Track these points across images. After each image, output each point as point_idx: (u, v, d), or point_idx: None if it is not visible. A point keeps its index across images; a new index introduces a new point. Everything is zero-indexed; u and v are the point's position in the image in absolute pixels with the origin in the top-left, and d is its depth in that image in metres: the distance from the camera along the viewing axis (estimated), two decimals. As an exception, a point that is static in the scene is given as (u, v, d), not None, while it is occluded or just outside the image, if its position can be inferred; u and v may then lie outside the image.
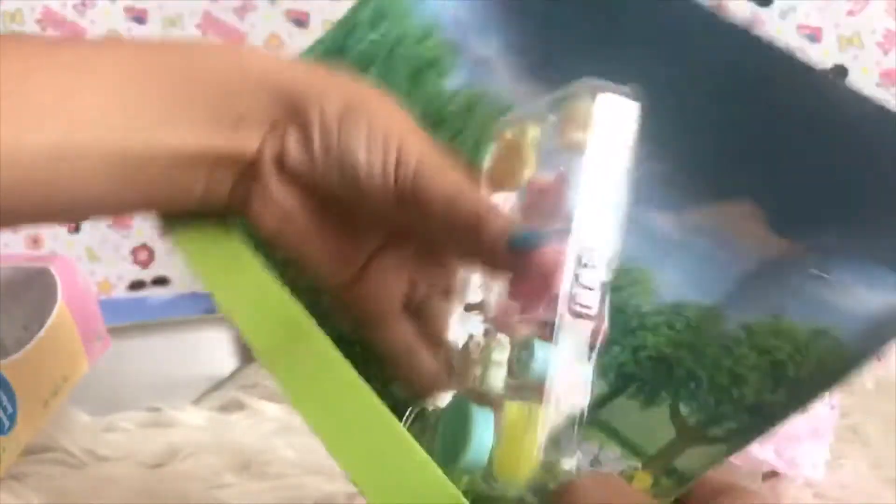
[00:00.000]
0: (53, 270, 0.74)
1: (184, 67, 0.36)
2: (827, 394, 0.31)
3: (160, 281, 1.28)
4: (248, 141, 0.37)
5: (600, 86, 0.35)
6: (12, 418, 0.67)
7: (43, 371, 0.71)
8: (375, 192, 0.36)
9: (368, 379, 0.36)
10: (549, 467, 0.33)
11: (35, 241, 1.27)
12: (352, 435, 0.33)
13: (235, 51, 0.39)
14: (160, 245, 1.28)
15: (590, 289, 0.34)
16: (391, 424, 0.33)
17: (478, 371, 0.36)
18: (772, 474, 0.77)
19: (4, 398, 0.67)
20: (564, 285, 0.33)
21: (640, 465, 0.33)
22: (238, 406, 0.92)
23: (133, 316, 1.08)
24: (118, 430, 0.87)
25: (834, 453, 0.81)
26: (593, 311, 0.34)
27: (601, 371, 0.34)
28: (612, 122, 0.35)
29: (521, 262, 0.34)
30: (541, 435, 0.33)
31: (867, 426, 0.89)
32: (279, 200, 0.38)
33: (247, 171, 0.38)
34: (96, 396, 0.86)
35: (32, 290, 0.74)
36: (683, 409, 0.33)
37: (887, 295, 0.31)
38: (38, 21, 1.28)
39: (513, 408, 0.34)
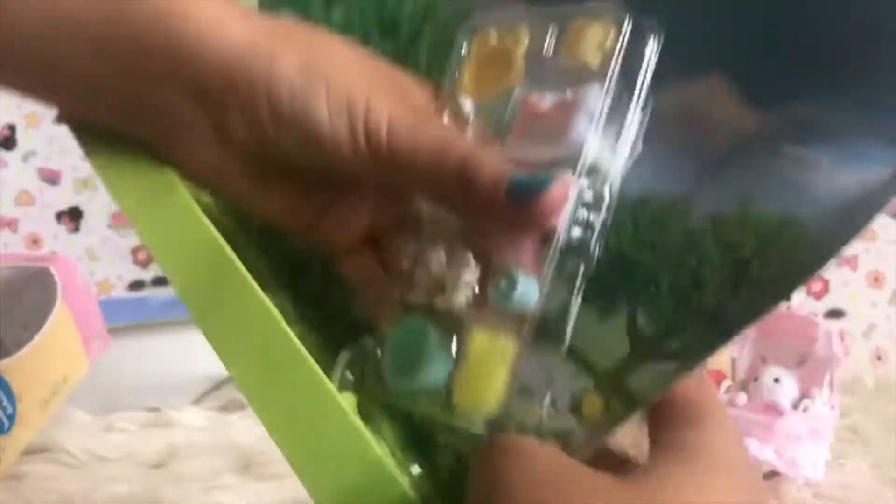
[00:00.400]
0: (53, 270, 0.74)
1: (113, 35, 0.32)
2: (787, 297, 0.29)
3: (160, 281, 1.27)
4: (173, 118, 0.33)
5: (624, 10, 0.32)
6: (12, 418, 0.67)
7: (43, 371, 0.71)
8: (343, 158, 0.33)
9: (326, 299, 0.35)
10: (511, 407, 0.32)
11: (35, 242, 1.27)
12: (271, 383, 0.30)
13: (170, 15, 0.32)
14: (160, 245, 1.28)
15: (589, 228, 0.32)
16: (313, 375, 0.30)
17: (438, 289, 0.34)
18: (772, 474, 0.77)
19: (4, 398, 0.67)
20: (561, 222, 0.31)
21: (591, 384, 0.31)
22: (238, 406, 0.92)
23: (133, 316, 1.08)
24: (118, 431, 0.87)
25: (834, 453, 0.81)
26: (588, 250, 0.32)
27: (560, 276, 0.32)
28: (634, 50, 0.32)
29: (523, 209, 0.31)
30: (508, 372, 0.31)
31: (867, 426, 0.89)
32: (211, 163, 0.34)
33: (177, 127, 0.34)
34: (96, 396, 0.86)
35: (32, 290, 0.74)
36: (640, 319, 0.31)
37: (866, 170, 0.28)
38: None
39: (481, 338, 0.32)
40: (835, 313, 1.16)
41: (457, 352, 0.33)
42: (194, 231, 0.33)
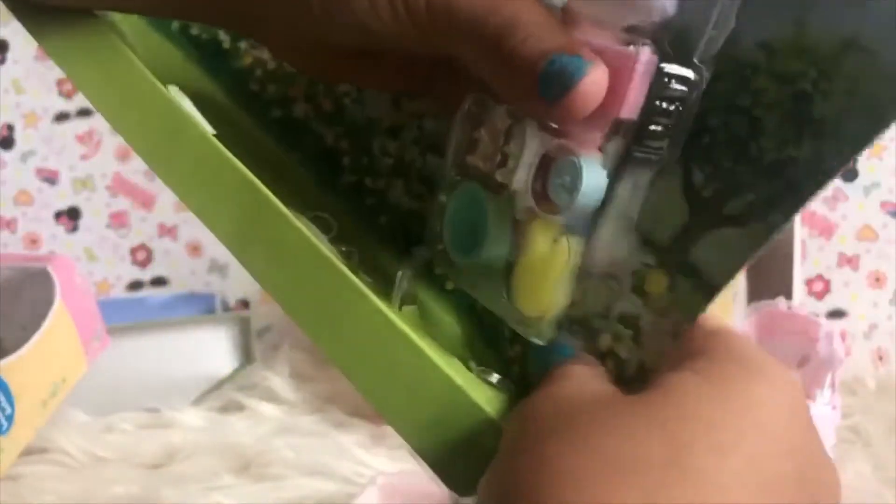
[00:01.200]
0: (52, 270, 0.74)
1: None
2: (861, 147, 0.25)
3: (159, 281, 1.27)
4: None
5: None
6: (11, 419, 0.67)
7: (41, 371, 0.71)
8: (391, 31, 0.30)
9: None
10: (575, 297, 0.29)
11: (33, 242, 1.26)
12: (326, 318, 0.29)
13: None
14: (159, 245, 1.27)
15: (672, 115, 0.27)
16: (369, 306, 0.28)
17: (497, 158, 0.30)
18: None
19: (3, 399, 0.66)
20: (635, 108, 0.27)
21: (653, 260, 0.28)
22: (237, 407, 0.92)
23: (132, 316, 1.08)
24: (117, 431, 0.86)
25: (836, 454, 0.80)
26: (663, 151, 0.27)
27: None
28: None
29: (553, 100, 0.26)
30: (572, 275, 0.29)
31: (869, 427, 0.89)
32: (301, 52, 0.33)
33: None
34: (95, 397, 0.86)
35: (31, 290, 0.73)
36: (696, 177, 0.28)
37: None
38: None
39: (542, 237, 0.29)
40: (836, 313, 1.16)
41: (516, 242, 0.30)
42: (147, 92, 0.32)
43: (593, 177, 0.28)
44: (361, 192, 0.38)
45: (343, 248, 0.32)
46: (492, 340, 0.34)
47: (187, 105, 0.34)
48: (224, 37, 0.39)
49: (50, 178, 1.28)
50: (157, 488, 0.75)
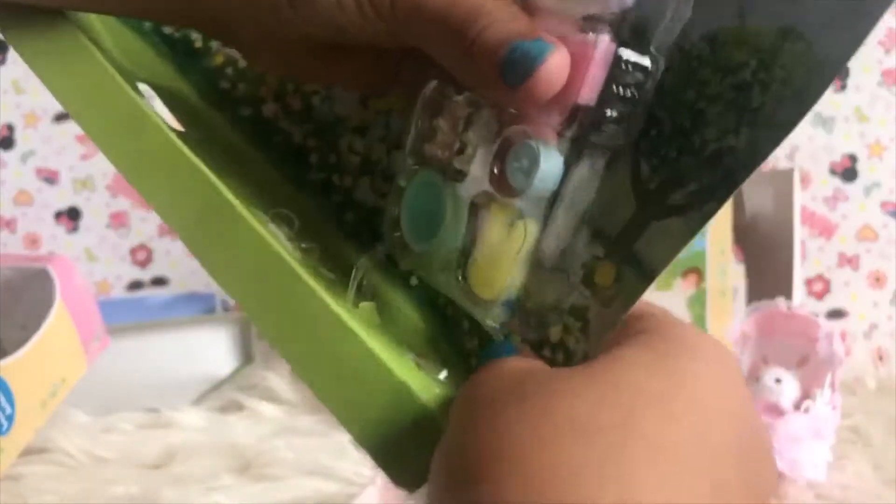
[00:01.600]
0: (52, 271, 0.74)
1: None
2: (789, 130, 0.26)
3: (159, 281, 1.27)
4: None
5: None
6: (11, 419, 0.67)
7: (41, 371, 0.71)
8: (358, 26, 0.31)
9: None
10: (530, 288, 0.30)
11: (33, 242, 1.26)
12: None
13: None
14: (159, 245, 1.27)
15: (629, 102, 0.28)
16: (318, 303, 0.29)
17: (456, 146, 0.31)
18: (773, 475, 0.77)
19: (3, 399, 0.66)
20: (593, 94, 0.28)
21: (602, 253, 0.29)
22: (237, 407, 0.92)
23: (132, 316, 1.08)
24: (117, 431, 0.86)
25: (836, 454, 0.80)
26: (627, 127, 0.28)
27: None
28: None
29: (515, 84, 0.27)
30: (528, 259, 0.29)
31: (869, 427, 0.89)
32: (270, 51, 0.34)
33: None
34: (95, 397, 0.86)
35: (31, 290, 0.73)
36: (644, 170, 0.29)
37: None
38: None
39: (499, 221, 0.30)
40: (836, 313, 1.16)
41: (473, 228, 0.31)
42: (112, 92, 0.32)
43: (550, 161, 0.28)
44: (329, 189, 0.38)
45: (303, 245, 0.32)
46: (451, 334, 0.34)
47: (157, 104, 0.34)
48: (196, 36, 0.40)
49: (50, 179, 1.28)
50: (157, 488, 0.75)
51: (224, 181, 0.31)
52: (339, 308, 0.29)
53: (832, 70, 0.26)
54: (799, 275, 1.04)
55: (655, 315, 0.29)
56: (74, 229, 1.29)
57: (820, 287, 1.16)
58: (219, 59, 0.39)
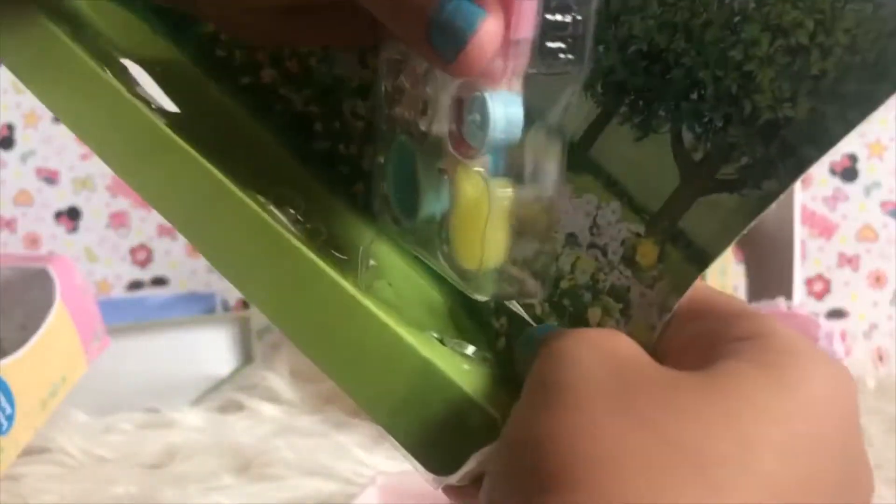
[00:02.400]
0: (52, 270, 0.74)
1: None
2: (870, 111, 0.23)
3: (159, 281, 1.27)
4: None
5: None
6: (11, 419, 0.67)
7: (41, 371, 0.71)
8: None
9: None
10: (522, 257, 0.27)
11: (33, 242, 1.26)
12: (289, 301, 0.28)
13: None
14: (159, 245, 1.27)
15: (565, 29, 0.25)
16: (333, 285, 0.27)
17: (420, 105, 0.29)
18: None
19: (3, 399, 0.66)
20: (530, 27, 0.25)
21: (643, 229, 0.27)
22: (237, 407, 0.92)
23: (132, 316, 1.08)
24: (117, 431, 0.86)
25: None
26: (573, 64, 0.25)
27: (586, 84, 0.27)
28: None
29: (455, 64, 0.25)
30: (509, 220, 0.26)
31: (868, 427, 0.89)
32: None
33: None
34: (95, 397, 0.86)
35: (31, 290, 0.73)
36: (686, 138, 0.26)
37: None
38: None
39: (468, 182, 0.27)
40: (836, 313, 1.16)
41: (449, 193, 0.28)
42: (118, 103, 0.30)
43: (501, 108, 0.26)
44: (335, 159, 0.36)
45: (309, 226, 0.31)
46: (475, 312, 0.32)
47: (148, 86, 0.33)
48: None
49: (50, 178, 1.28)
50: (157, 488, 0.74)
51: (223, 163, 0.29)
52: (350, 286, 0.27)
53: None
54: (799, 275, 1.04)
55: (758, 317, 0.26)
56: (74, 229, 1.29)
57: (820, 287, 1.16)
58: (211, 28, 0.37)
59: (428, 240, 0.30)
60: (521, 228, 0.27)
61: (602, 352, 0.24)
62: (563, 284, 0.28)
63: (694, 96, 0.26)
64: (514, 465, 0.23)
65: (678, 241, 0.26)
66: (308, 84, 0.37)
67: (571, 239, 0.28)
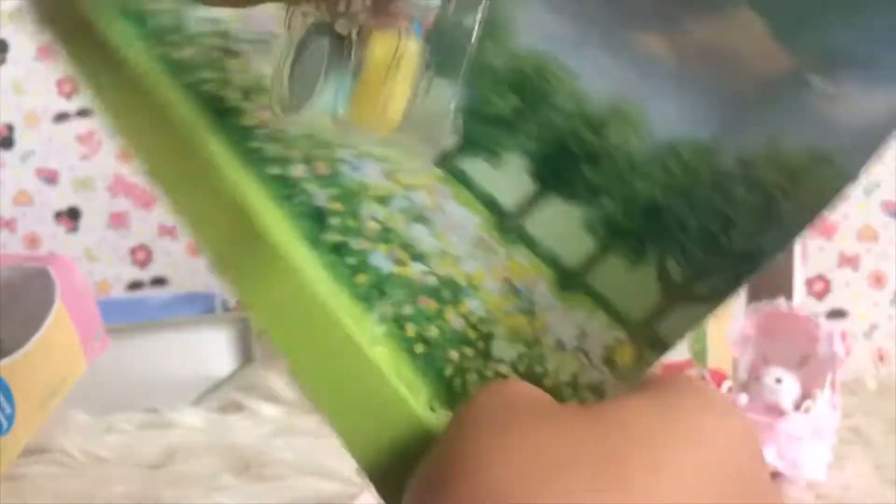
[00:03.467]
0: (52, 271, 0.74)
1: None
2: (812, 223, 0.29)
3: (159, 281, 1.27)
4: None
5: None
6: (10, 419, 0.67)
7: (41, 371, 0.71)
8: None
9: None
10: (548, 381, 0.31)
11: (33, 242, 1.26)
12: (301, 340, 0.31)
13: None
14: (159, 245, 1.27)
15: None
16: (344, 335, 0.31)
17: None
18: (774, 475, 0.77)
19: (3, 399, 0.66)
20: None
21: (624, 335, 0.31)
22: (237, 407, 0.92)
23: (132, 316, 1.08)
24: (117, 431, 0.86)
25: (836, 454, 0.80)
26: None
27: (589, 225, 0.32)
28: None
29: None
30: (412, 77, 0.30)
31: (869, 427, 0.89)
32: None
33: None
34: (95, 397, 0.86)
35: (31, 290, 0.73)
36: (670, 265, 0.30)
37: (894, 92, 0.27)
38: (37, 20, 1.28)
39: (381, 42, 0.30)
40: (836, 314, 1.16)
41: (357, 61, 0.31)
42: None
43: None
44: (344, 251, 0.40)
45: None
46: (455, 397, 0.35)
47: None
48: (232, 95, 0.41)
49: (50, 179, 1.28)
50: (157, 488, 0.75)
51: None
52: (358, 335, 0.30)
53: (854, 180, 0.28)
54: (799, 275, 1.04)
55: (675, 377, 0.29)
56: (74, 229, 1.29)
57: (820, 287, 1.16)
58: (251, 120, 0.40)
59: (320, 124, 0.32)
60: (509, 335, 0.31)
61: (505, 392, 0.28)
62: (546, 382, 0.31)
63: (681, 236, 0.31)
64: (418, 474, 0.26)
65: (654, 344, 0.30)
66: (334, 184, 0.40)
67: (559, 345, 0.31)
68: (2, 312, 0.70)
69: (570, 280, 0.32)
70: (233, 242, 0.33)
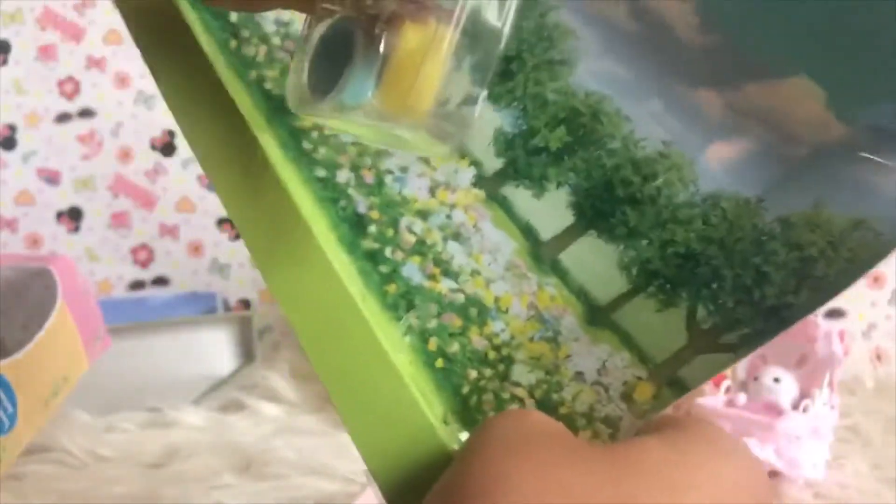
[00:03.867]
0: (53, 270, 0.74)
1: None
2: (846, 288, 0.30)
3: (160, 281, 1.28)
4: None
5: None
6: (12, 418, 0.67)
7: (43, 371, 0.71)
8: None
9: None
10: (564, 410, 0.32)
11: (35, 242, 1.27)
12: (329, 340, 0.32)
13: None
14: (160, 245, 1.28)
15: None
16: (372, 340, 0.32)
17: None
18: (772, 474, 0.77)
19: (4, 398, 0.66)
20: None
21: (645, 374, 0.32)
22: (238, 406, 0.92)
23: (133, 316, 1.08)
24: (118, 431, 0.87)
25: (834, 453, 0.81)
26: None
27: (623, 265, 0.32)
28: None
29: None
30: (443, 63, 0.30)
31: (867, 427, 0.89)
32: None
33: None
34: (96, 396, 0.86)
35: (32, 290, 0.73)
36: (700, 313, 0.31)
37: None
38: (38, 20, 1.28)
39: (412, 30, 0.30)
40: (835, 313, 1.16)
41: (386, 49, 0.31)
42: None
43: None
44: (378, 259, 0.41)
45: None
46: (471, 417, 0.36)
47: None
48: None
49: (51, 179, 1.29)
50: (159, 488, 0.75)
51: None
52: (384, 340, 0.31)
53: (892, 248, 0.29)
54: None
55: (691, 419, 0.30)
56: (76, 229, 1.29)
57: (819, 287, 1.16)
58: (307, 122, 0.42)
59: (350, 108, 0.32)
60: (529, 360, 0.32)
61: (523, 421, 0.28)
62: (562, 410, 0.32)
63: (714, 286, 0.31)
64: (433, 493, 0.26)
65: (674, 385, 0.31)
66: (377, 194, 0.41)
67: (579, 376, 0.32)
68: (3, 312, 0.70)
69: (597, 315, 0.32)
70: (273, 232, 0.34)
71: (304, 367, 1.04)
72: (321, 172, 0.41)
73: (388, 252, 0.40)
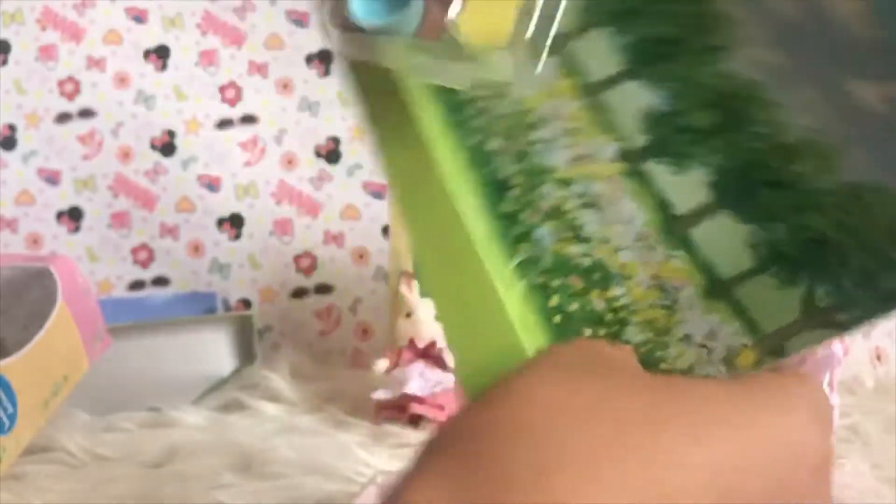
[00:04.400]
0: (53, 270, 0.74)
1: None
2: None
3: (160, 281, 1.28)
4: None
5: None
6: (12, 418, 0.67)
7: (43, 371, 0.71)
8: None
9: None
10: (636, 341, 0.33)
11: (35, 242, 1.27)
12: (445, 268, 0.35)
13: None
14: (160, 245, 1.28)
15: None
16: (484, 277, 0.34)
17: None
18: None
19: (4, 398, 0.67)
20: None
21: (751, 342, 0.32)
22: (238, 406, 0.92)
23: (133, 316, 1.08)
24: (118, 430, 0.87)
25: (834, 453, 0.81)
26: None
27: (753, 245, 0.33)
28: None
29: None
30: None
31: (867, 426, 0.89)
32: None
33: None
34: (96, 396, 0.86)
35: (33, 290, 0.74)
36: (818, 292, 0.31)
37: None
38: (38, 21, 1.28)
39: None
40: (835, 313, 1.16)
41: None
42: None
43: None
44: (514, 220, 0.42)
45: None
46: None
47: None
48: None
49: (51, 179, 1.29)
50: (159, 487, 0.75)
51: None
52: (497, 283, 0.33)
53: None
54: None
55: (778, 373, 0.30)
56: (76, 229, 1.29)
57: (819, 287, 1.17)
58: (467, 96, 0.43)
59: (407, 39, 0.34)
60: (642, 323, 0.34)
61: (579, 346, 0.29)
62: (662, 366, 0.33)
63: (839, 270, 0.31)
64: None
65: (777, 353, 0.31)
66: (522, 162, 0.43)
67: (687, 338, 0.33)
68: (3, 312, 0.71)
69: (717, 289, 0.33)
70: (415, 179, 0.36)
71: (305, 367, 1.04)
72: (474, 139, 0.42)
73: (523, 216, 0.42)
